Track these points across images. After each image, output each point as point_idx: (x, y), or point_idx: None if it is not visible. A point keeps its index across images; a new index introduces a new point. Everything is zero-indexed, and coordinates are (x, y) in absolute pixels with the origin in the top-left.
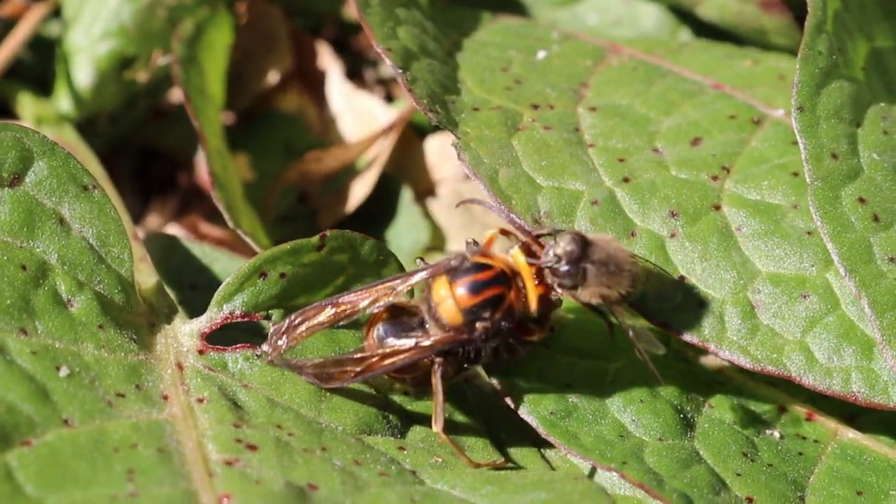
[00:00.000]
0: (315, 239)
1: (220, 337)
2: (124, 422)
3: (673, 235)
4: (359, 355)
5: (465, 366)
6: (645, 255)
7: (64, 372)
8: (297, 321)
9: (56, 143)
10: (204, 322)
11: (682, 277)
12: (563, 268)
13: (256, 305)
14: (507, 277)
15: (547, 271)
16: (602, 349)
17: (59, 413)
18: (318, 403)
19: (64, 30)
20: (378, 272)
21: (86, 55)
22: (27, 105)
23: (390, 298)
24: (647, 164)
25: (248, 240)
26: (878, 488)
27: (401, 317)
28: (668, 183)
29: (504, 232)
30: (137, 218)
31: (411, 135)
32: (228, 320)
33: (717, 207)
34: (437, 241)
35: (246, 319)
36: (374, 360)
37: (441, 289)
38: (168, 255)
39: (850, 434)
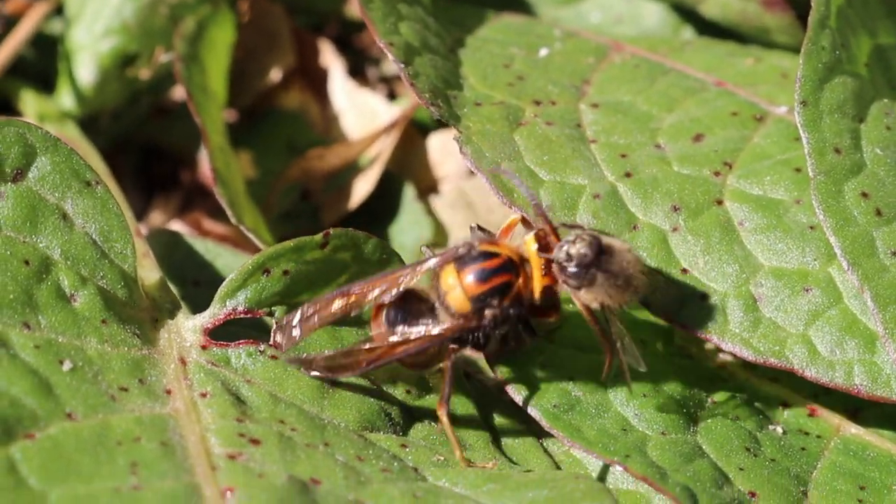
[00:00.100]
0: (319, 237)
1: (223, 333)
2: (127, 416)
3: (675, 229)
4: (369, 345)
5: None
6: (647, 248)
7: (67, 366)
8: (309, 312)
9: (59, 139)
10: (207, 318)
11: (684, 271)
12: (572, 269)
13: (259, 302)
14: (515, 265)
15: (556, 266)
16: None
17: (63, 407)
18: (320, 400)
19: (66, 27)
20: (381, 270)
21: (88, 53)
22: (29, 102)
23: (400, 288)
24: (649, 159)
25: (250, 236)
26: (881, 483)
27: (411, 305)
28: (670, 178)
29: (525, 222)
30: (140, 215)
31: (413, 132)
32: (231, 316)
33: (720, 202)
34: (439, 238)
35: (249, 316)
36: (384, 348)
37: (449, 277)
38: (171, 252)
39: (853, 429)
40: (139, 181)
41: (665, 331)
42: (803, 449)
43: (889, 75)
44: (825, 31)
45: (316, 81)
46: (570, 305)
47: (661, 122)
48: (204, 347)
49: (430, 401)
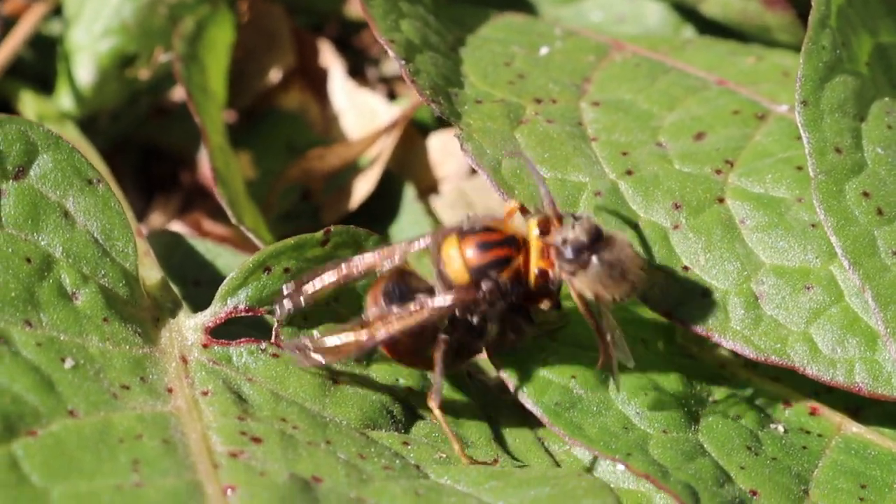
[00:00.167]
0: (319, 234)
1: (224, 332)
2: (129, 413)
3: (676, 227)
4: (364, 322)
5: (470, 342)
6: (648, 245)
7: (69, 364)
8: (306, 279)
9: (60, 137)
10: (208, 316)
11: (685, 268)
12: (568, 252)
13: (261, 300)
14: (517, 242)
15: (553, 250)
16: None
17: (65, 404)
18: (322, 398)
19: (65, 28)
20: None
21: (87, 53)
22: (29, 103)
23: (397, 258)
24: (650, 157)
25: (250, 236)
26: (882, 482)
27: (408, 285)
28: (671, 176)
29: (524, 211)
30: (140, 216)
31: (414, 132)
32: (232, 315)
33: (721, 200)
34: None
35: (250, 314)
36: (382, 325)
37: (451, 248)
38: (171, 252)
39: (854, 428)
40: (139, 182)
41: (666, 329)
42: (804, 447)
43: (890, 74)
44: (826, 31)
45: (316, 81)
46: (570, 302)
47: (663, 120)
48: (205, 346)
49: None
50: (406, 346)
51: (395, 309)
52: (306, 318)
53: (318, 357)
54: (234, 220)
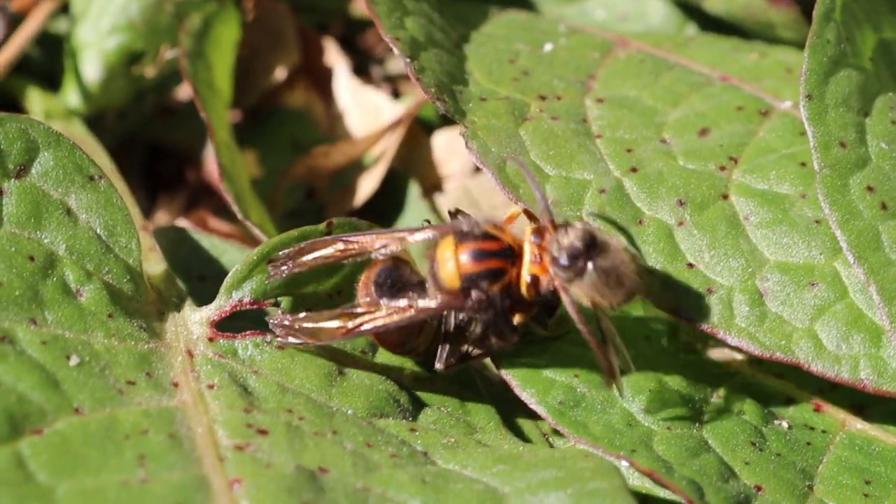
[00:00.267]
0: (322, 225)
1: (229, 326)
2: (135, 409)
3: (681, 224)
4: (353, 311)
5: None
6: (653, 242)
7: (74, 361)
8: (304, 247)
9: (61, 134)
10: (213, 310)
11: (690, 265)
12: (563, 260)
13: (265, 293)
14: (513, 254)
15: (548, 258)
16: None
17: (70, 401)
18: (328, 388)
19: (72, 25)
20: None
21: (94, 50)
22: (35, 100)
23: (398, 246)
24: (654, 154)
25: (256, 231)
26: (887, 478)
27: (400, 277)
28: (675, 173)
29: (528, 214)
30: (146, 214)
31: (418, 130)
32: (237, 308)
33: (725, 197)
34: None
35: (255, 307)
36: (367, 317)
37: (446, 250)
38: (177, 247)
39: (859, 425)
40: (144, 180)
41: (670, 326)
42: (809, 444)
43: (893, 70)
44: (830, 25)
45: (320, 80)
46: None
47: (667, 116)
48: (211, 339)
49: (438, 385)
50: (392, 336)
51: (383, 300)
52: (309, 310)
53: (297, 339)
54: (239, 216)
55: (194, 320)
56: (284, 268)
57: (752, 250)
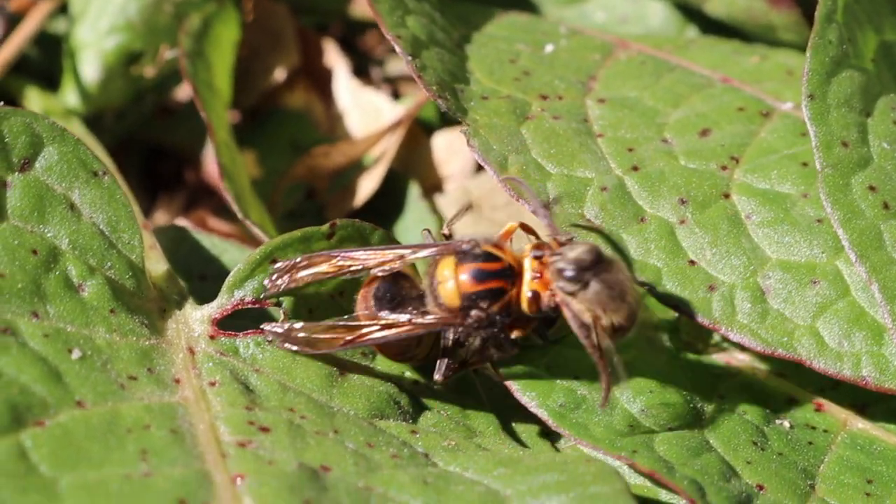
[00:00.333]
0: (325, 227)
1: (230, 325)
2: (137, 404)
3: (682, 222)
4: (352, 323)
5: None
6: (655, 240)
7: (76, 354)
8: (302, 263)
9: (65, 129)
10: (215, 308)
11: (691, 262)
12: (568, 272)
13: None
14: (513, 274)
15: (552, 271)
16: None
17: (72, 394)
18: (329, 388)
19: (71, 25)
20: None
21: (93, 50)
22: (34, 100)
23: (397, 264)
24: (656, 153)
25: (256, 231)
26: (888, 477)
27: (400, 290)
28: (677, 172)
29: (525, 228)
30: (145, 214)
31: (418, 131)
32: (239, 306)
33: (727, 196)
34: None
35: (256, 306)
36: (365, 329)
37: (446, 269)
38: (177, 246)
39: (860, 424)
40: (143, 180)
41: (671, 326)
42: (810, 443)
43: (895, 71)
44: (832, 26)
45: (320, 81)
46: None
47: (668, 117)
48: (212, 337)
49: (438, 390)
50: (392, 347)
51: (383, 313)
52: (311, 311)
53: (293, 347)
54: (240, 216)
55: (196, 318)
56: (281, 282)
57: (753, 248)
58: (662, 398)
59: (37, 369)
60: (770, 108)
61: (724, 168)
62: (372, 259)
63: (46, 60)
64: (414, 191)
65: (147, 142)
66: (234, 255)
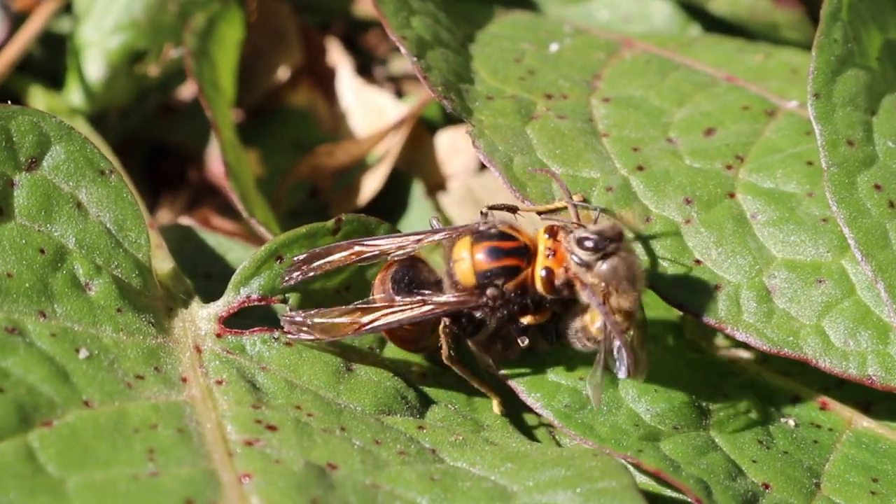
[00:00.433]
0: (331, 223)
1: (237, 323)
2: (144, 403)
3: (688, 221)
4: (367, 307)
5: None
6: (660, 239)
7: (83, 354)
8: (320, 252)
9: (72, 128)
10: (221, 306)
11: (697, 262)
12: (589, 242)
13: (273, 289)
14: (529, 253)
15: (571, 241)
16: None
17: (80, 394)
18: (336, 385)
19: (75, 24)
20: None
21: (97, 49)
22: (38, 99)
23: (414, 247)
24: (661, 153)
25: (261, 229)
26: (894, 475)
27: (417, 274)
28: (682, 171)
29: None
30: (148, 213)
31: (422, 130)
32: (245, 304)
33: (732, 195)
34: None
35: (263, 303)
36: (383, 312)
37: (463, 249)
38: (182, 245)
39: (865, 423)
40: (146, 179)
41: (676, 325)
42: (816, 442)
43: None
44: (837, 24)
45: (323, 80)
46: None
47: (673, 116)
48: (219, 335)
49: (446, 382)
50: (405, 333)
51: (399, 297)
52: (318, 307)
53: (309, 336)
54: (244, 214)
55: (202, 316)
56: (298, 273)
57: (759, 248)
58: (668, 397)
59: (44, 369)
60: (775, 106)
61: (729, 167)
62: (389, 244)
63: (51, 60)
64: (417, 189)
65: (150, 140)
66: (238, 254)
